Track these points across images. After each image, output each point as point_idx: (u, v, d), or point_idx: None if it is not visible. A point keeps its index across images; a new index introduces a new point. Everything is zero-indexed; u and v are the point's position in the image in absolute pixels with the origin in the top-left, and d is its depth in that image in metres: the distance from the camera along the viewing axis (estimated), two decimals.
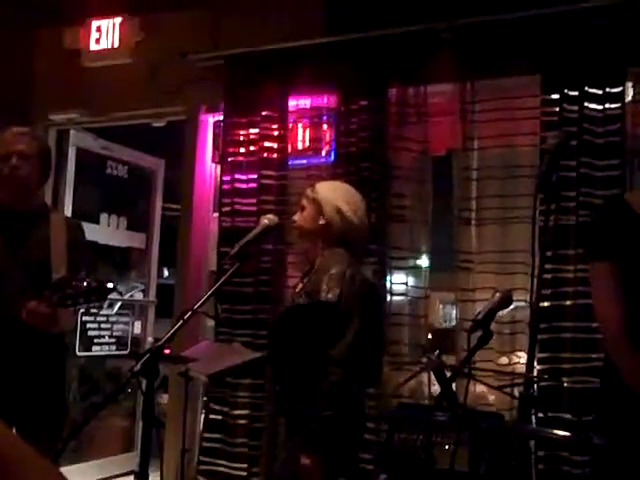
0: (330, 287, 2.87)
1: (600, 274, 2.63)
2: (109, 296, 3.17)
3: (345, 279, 2.89)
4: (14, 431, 2.75)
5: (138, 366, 2.21)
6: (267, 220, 2.82)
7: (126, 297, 6.63)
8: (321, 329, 2.87)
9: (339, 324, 2.85)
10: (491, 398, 4.14)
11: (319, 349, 2.84)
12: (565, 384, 3.92)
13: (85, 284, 2.95)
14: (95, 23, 5.67)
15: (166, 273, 10.82)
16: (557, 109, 4.13)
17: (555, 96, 4.16)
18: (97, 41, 5.65)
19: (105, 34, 5.60)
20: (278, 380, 3.09)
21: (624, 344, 2.51)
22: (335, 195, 3.08)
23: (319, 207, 3.05)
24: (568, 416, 3.89)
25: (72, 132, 5.82)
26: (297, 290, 3.10)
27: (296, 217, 3.16)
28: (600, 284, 2.64)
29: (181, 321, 2.41)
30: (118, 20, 5.61)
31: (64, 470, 3.68)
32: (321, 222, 3.04)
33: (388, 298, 4.53)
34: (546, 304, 3.99)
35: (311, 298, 2.91)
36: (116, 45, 5.59)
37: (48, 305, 2.94)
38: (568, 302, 4.00)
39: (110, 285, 3.04)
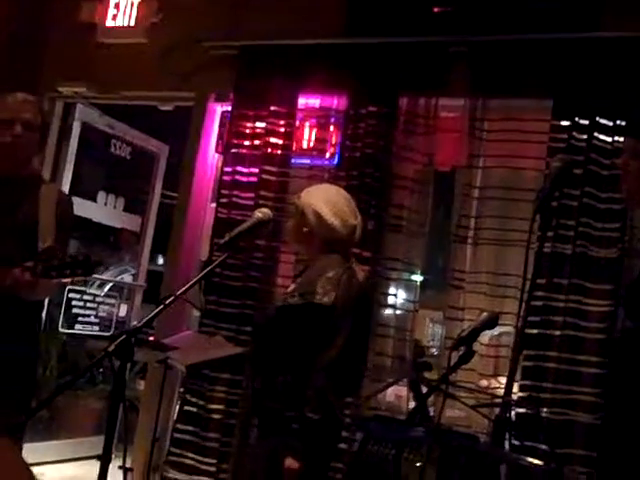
0: (326, 290, 2.82)
1: None
2: (97, 275, 3.14)
3: (341, 283, 2.84)
4: None
5: (112, 346, 2.19)
6: (261, 214, 2.80)
7: (116, 279, 6.57)
8: (312, 331, 2.81)
9: (330, 328, 2.80)
10: (469, 422, 4.08)
11: (306, 351, 2.80)
12: (543, 414, 3.87)
13: (71, 257, 2.92)
14: None
15: (160, 260, 10.77)
16: (565, 136, 4.08)
17: (565, 123, 4.11)
18: (114, 17, 5.61)
19: (122, 11, 5.56)
20: (259, 378, 3.03)
21: None
22: (315, 198, 3.03)
23: (303, 215, 3.01)
24: (544, 447, 3.83)
25: (79, 106, 5.77)
26: (289, 290, 3.05)
27: (288, 224, 3.18)
28: None
29: (161, 305, 2.39)
30: None
31: (33, 446, 3.62)
32: (305, 230, 3.01)
33: (376, 309, 4.46)
34: (534, 331, 3.94)
35: (305, 299, 2.86)
36: (132, 24, 5.54)
37: (31, 274, 2.90)
38: (557, 332, 3.93)
39: (96, 261, 3.00)
